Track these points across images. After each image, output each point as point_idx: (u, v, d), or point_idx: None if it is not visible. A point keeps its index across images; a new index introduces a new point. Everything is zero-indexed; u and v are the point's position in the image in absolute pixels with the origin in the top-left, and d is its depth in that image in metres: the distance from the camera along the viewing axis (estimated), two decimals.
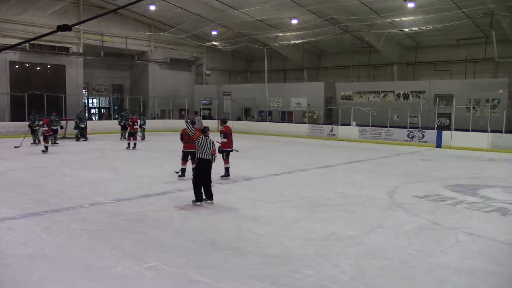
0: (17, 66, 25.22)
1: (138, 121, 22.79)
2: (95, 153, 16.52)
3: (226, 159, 11.58)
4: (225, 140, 11.61)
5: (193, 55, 33.45)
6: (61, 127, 20.10)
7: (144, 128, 22.32)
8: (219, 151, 11.23)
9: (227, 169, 11.55)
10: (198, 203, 8.27)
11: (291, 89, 29.87)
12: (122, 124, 21.81)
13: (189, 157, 10.99)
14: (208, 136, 8.56)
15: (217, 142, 10.98)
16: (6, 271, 5.14)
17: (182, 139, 11.05)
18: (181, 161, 11.28)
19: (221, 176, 11.40)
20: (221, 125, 12.05)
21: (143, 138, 22.16)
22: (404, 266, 5.51)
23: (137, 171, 12.45)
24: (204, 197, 8.40)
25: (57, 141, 19.40)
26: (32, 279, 4.95)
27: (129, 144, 17.88)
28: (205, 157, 8.30)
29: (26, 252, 5.71)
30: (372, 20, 23.83)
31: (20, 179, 10.84)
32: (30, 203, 8.38)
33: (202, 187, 8.38)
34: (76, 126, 21.21)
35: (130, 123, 18.40)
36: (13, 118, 23.76)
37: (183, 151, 11.11)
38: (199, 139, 8.40)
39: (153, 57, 30.98)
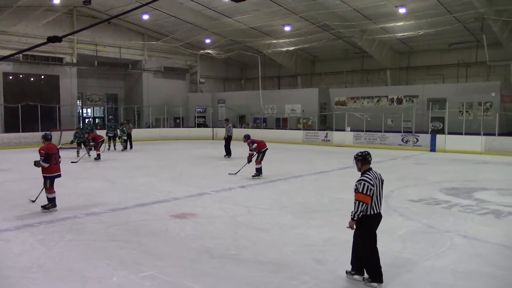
0: (10, 77, 25.17)
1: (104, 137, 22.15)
2: (90, 163, 16.48)
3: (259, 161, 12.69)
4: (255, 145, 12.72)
5: (187, 63, 33.52)
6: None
7: (123, 139, 21.80)
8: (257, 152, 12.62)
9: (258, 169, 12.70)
10: (376, 284, 5.03)
11: (285, 96, 29.94)
12: (109, 135, 21.39)
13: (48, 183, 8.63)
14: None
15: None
16: (1, 282, 5.12)
17: (48, 160, 8.46)
18: (48, 188, 8.63)
19: (252, 176, 12.60)
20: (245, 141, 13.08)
21: (124, 148, 21.50)
22: (400, 270, 5.53)
23: (132, 181, 12.43)
24: (352, 271, 5.28)
25: (89, 153, 18.56)
26: None
27: (98, 155, 17.40)
28: (377, 211, 5.08)
29: (22, 264, 5.69)
30: (364, 26, 24.01)
31: (16, 191, 10.78)
32: (25, 214, 8.34)
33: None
34: (118, 136, 21.49)
35: (89, 138, 17.76)
36: (7, 130, 23.66)
37: (51, 177, 8.61)
38: (367, 178, 5.01)
39: (147, 66, 31.01)
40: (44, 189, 8.69)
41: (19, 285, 5.03)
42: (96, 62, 28.08)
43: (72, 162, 16.39)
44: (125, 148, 21.49)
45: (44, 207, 8.54)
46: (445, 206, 9.13)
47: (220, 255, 6.08)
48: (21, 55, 23.50)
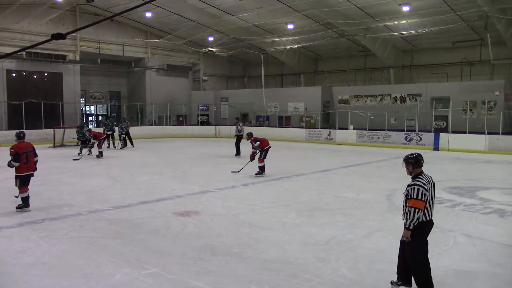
0: (14, 75, 25.21)
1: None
2: (92, 161, 16.51)
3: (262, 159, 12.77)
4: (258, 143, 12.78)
5: (190, 61, 33.50)
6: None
7: (122, 137, 21.36)
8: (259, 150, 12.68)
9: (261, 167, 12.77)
10: None
11: (288, 94, 29.92)
12: (107, 133, 20.77)
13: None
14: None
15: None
16: (4, 280, 5.13)
17: (17, 159, 8.27)
18: (19, 188, 8.45)
19: (255, 174, 12.64)
20: (248, 139, 13.21)
21: (123, 146, 21.17)
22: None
23: (135, 178, 12.44)
24: (399, 281, 4.93)
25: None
26: (30, 287, 4.93)
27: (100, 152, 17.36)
28: (429, 217, 4.69)
29: (25, 261, 5.70)
30: (367, 24, 23.95)
31: None
32: (27, 211, 8.35)
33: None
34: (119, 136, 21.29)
35: (91, 135, 17.60)
36: (10, 127, 23.71)
37: (20, 176, 8.39)
38: (420, 182, 4.65)
39: (150, 63, 31.01)
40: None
41: (21, 282, 5.04)
42: (99, 59, 28.10)
43: (74, 159, 16.43)
44: (124, 146, 21.30)
45: (17, 207, 8.38)
46: (449, 205, 9.10)
47: (223, 252, 6.07)
48: (24, 52, 23.51)
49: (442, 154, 19.55)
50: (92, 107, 32.10)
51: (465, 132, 20.67)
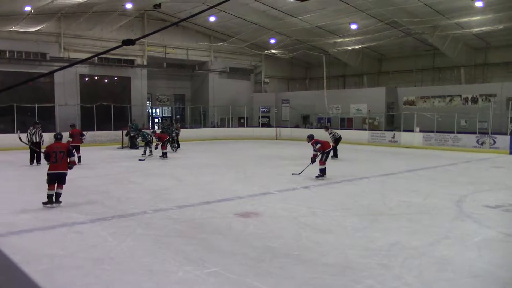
0: (86, 79, 26.80)
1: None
2: (158, 161, 17.11)
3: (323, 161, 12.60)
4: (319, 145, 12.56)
5: (251, 63, 33.86)
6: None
7: (175, 140, 21.37)
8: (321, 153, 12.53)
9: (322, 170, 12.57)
10: None
11: (351, 95, 29.37)
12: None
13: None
14: None
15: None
16: (76, 273, 5.42)
17: (47, 158, 8.82)
18: (47, 185, 8.76)
19: (316, 176, 12.46)
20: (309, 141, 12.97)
21: (176, 149, 21.15)
22: (474, 280, 5.18)
23: (198, 179, 12.73)
24: None
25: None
26: (100, 281, 5.17)
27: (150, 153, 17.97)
28: None
29: (95, 255, 5.99)
30: (436, 21, 22.91)
31: (90, 186, 11.42)
32: (98, 208, 8.80)
33: None
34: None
35: (156, 136, 18.04)
36: (83, 128, 25.12)
37: (48, 173, 8.75)
38: None
39: (213, 66, 31.70)
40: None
41: (92, 276, 5.30)
42: (165, 63, 29.15)
43: (139, 160, 17.12)
44: (176, 148, 21.22)
45: (43, 203, 8.68)
46: None
47: (283, 255, 6.03)
48: (96, 57, 24.88)
49: None
50: (157, 110, 33.35)
51: None
